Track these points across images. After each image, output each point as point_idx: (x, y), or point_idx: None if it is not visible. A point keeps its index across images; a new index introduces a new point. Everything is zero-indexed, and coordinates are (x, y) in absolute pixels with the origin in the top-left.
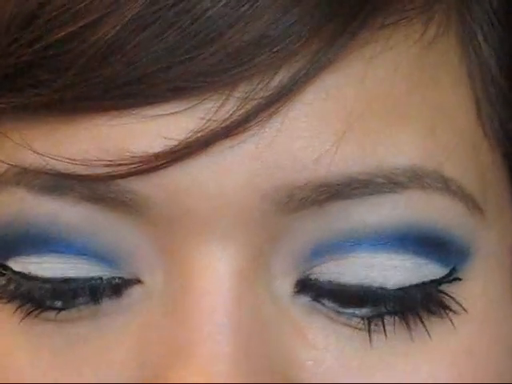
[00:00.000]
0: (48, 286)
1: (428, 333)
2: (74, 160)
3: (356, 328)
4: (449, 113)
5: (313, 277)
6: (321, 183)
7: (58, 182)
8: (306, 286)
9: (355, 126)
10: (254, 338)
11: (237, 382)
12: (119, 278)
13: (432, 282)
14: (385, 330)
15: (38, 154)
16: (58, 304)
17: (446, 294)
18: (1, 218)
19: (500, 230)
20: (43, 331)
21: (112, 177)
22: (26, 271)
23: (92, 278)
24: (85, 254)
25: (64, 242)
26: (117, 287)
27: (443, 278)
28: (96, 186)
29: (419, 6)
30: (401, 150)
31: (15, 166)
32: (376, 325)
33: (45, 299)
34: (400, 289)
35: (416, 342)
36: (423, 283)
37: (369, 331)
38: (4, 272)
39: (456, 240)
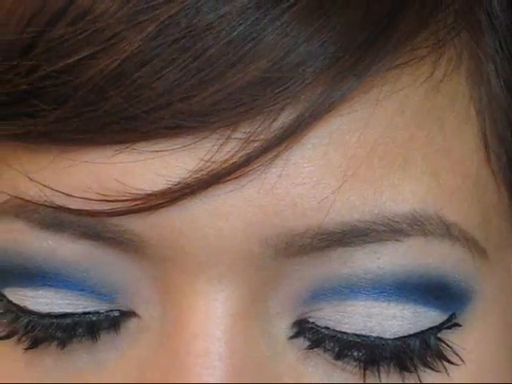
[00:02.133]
0: (45, 321)
1: (421, 382)
2: (73, 194)
3: (351, 373)
4: (454, 154)
5: (311, 320)
6: (320, 231)
7: (57, 218)
8: (304, 330)
9: (357, 172)
10: (248, 380)
11: None
12: (117, 310)
13: (431, 329)
14: (379, 377)
15: (40, 184)
16: (57, 337)
17: (445, 343)
18: None
19: (503, 269)
20: (45, 363)
21: (110, 214)
22: (21, 304)
23: (89, 313)
24: (82, 290)
25: (60, 278)
26: (114, 320)
27: (442, 325)
28: (93, 225)
29: (430, 44)
30: (402, 196)
31: (16, 197)
32: (371, 371)
33: (44, 333)
34: (398, 338)
35: None
36: (422, 331)
37: (364, 376)
38: (1, 298)
39: (456, 285)
